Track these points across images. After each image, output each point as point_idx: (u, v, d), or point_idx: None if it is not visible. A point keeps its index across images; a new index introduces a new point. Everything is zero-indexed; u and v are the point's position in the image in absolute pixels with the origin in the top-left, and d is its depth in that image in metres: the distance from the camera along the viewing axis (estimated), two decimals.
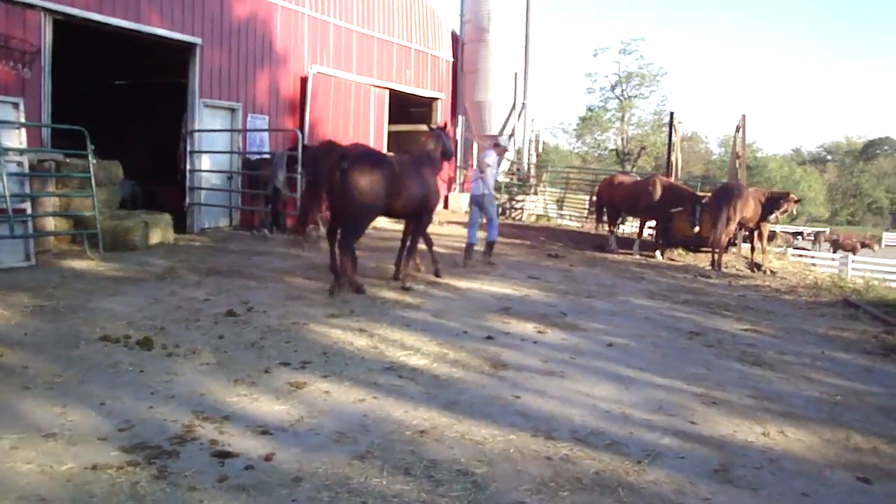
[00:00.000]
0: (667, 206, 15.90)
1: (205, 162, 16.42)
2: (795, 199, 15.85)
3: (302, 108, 18.92)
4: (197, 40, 15.70)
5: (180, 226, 15.67)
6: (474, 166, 14.31)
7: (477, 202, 13.23)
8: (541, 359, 7.03)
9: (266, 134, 17.77)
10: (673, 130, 17.81)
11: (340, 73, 20.20)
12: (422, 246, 11.36)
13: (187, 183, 16.13)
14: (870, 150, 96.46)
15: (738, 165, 17.98)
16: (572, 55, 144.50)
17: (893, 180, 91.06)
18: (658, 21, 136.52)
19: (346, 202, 9.29)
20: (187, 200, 16.10)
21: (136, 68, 20.50)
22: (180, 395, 5.50)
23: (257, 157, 16.76)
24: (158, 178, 18.83)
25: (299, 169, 14.58)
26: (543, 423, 5.31)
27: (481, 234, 13.48)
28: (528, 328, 8.30)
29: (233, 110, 17.05)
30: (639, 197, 16.45)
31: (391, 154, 12.28)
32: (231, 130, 16.79)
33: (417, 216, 10.61)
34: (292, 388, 5.77)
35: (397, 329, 7.85)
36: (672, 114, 18.74)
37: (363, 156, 9.62)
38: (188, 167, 16.12)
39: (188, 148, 16.08)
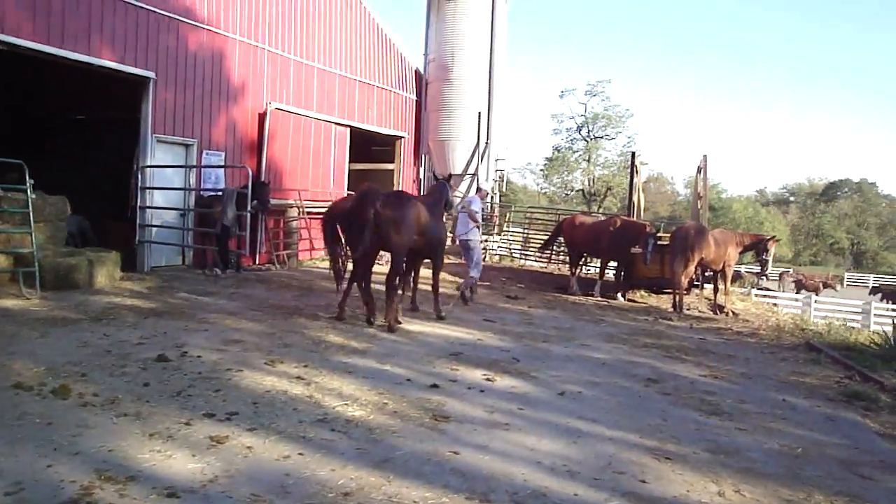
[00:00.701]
0: (627, 246, 15.63)
1: (157, 199, 15.94)
2: (776, 239, 16.07)
3: (260, 146, 18.55)
4: (150, 74, 15.31)
5: (130, 264, 15.17)
6: (458, 212, 14.72)
7: (463, 246, 14.05)
8: (486, 409, 6.62)
9: (221, 171, 17.34)
10: (634, 171, 17.65)
11: (300, 111, 19.89)
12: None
13: (138, 220, 15.64)
14: (830, 192, 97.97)
15: (700, 206, 17.82)
16: (540, 96, 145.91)
17: (853, 221, 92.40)
18: (624, 63, 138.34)
19: (390, 240, 10.30)
20: (137, 238, 15.59)
21: (90, 101, 19.99)
22: (86, 451, 5.01)
23: (209, 194, 16.29)
24: (111, 215, 18.27)
25: (249, 207, 14.18)
26: (481, 484, 4.89)
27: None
28: (477, 375, 7.90)
29: (187, 146, 16.63)
30: (599, 237, 16.21)
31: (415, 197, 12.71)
32: (181, 167, 16.31)
33: (435, 254, 11.63)
34: (212, 444, 5.31)
35: (337, 376, 7.41)
36: (633, 154, 18.61)
37: (405, 200, 10.87)
38: (139, 204, 15.63)
39: (139, 184, 15.60)
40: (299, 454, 5.22)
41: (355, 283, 11.23)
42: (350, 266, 11.92)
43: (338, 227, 11.93)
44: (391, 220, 10.14)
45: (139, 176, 15.59)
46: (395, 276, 10.61)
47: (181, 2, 15.97)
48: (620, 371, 8.72)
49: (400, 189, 14.61)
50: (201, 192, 16.50)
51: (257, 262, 18.20)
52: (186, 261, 16.73)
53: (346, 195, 14.15)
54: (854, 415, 7.52)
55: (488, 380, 7.75)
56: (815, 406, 7.74)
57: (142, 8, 15.00)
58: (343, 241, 11.89)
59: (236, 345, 8.58)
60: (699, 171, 17.96)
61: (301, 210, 19.21)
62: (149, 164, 15.48)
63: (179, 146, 16.50)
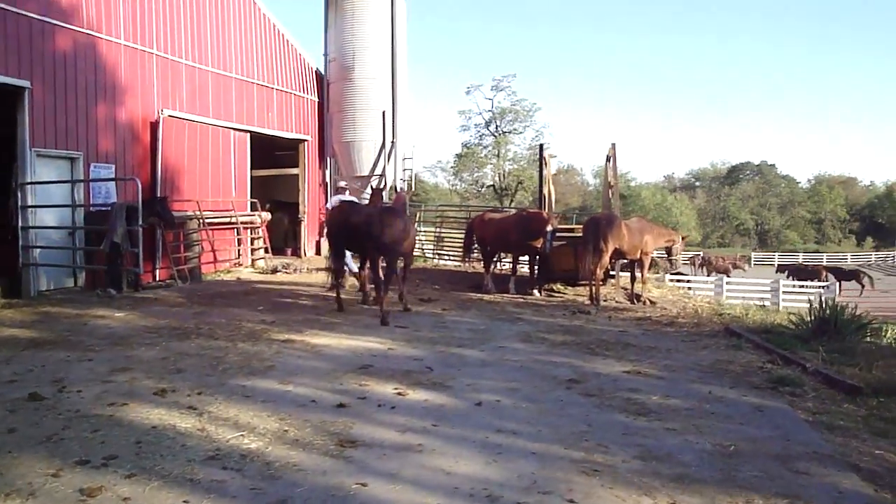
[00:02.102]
0: (533, 240, 15.23)
1: (40, 217, 14.85)
2: (685, 237, 16.21)
3: (154, 156, 17.60)
4: (24, 83, 14.27)
5: (15, 289, 14.11)
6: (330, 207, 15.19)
7: None
8: (398, 429, 6.04)
9: (112, 184, 16.31)
10: (543, 163, 17.32)
11: (196, 117, 19.02)
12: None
13: (21, 241, 14.54)
14: (733, 175, 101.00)
15: (611, 195, 17.61)
16: (447, 93, 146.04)
17: (756, 202, 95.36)
18: (528, 56, 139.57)
19: (389, 244, 12.06)
20: (21, 261, 14.49)
21: None
22: None
23: (97, 209, 15.24)
24: None
25: (140, 221, 13.32)
26: None
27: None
28: (388, 390, 7.31)
29: (72, 160, 15.62)
30: (507, 233, 15.81)
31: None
32: (66, 182, 15.22)
33: (409, 255, 13.41)
34: (82, 498, 4.61)
35: (234, 403, 6.73)
36: (541, 146, 18.27)
37: (399, 209, 13.07)
38: (20, 224, 14.53)
39: (19, 203, 14.50)
40: (184, 502, 4.57)
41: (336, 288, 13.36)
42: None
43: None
44: (404, 231, 12.30)
45: (18, 194, 14.50)
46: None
47: (57, 4, 14.94)
48: (540, 373, 8.26)
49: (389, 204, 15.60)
50: (90, 209, 15.45)
51: (157, 278, 17.25)
52: (79, 282, 15.68)
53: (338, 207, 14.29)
54: (782, 403, 7.21)
55: (399, 394, 7.17)
56: (742, 396, 7.40)
57: (10, 11, 13.92)
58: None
59: (123, 374, 7.80)
60: (608, 159, 17.74)
61: (201, 221, 18.29)
62: (28, 180, 14.39)
63: (63, 160, 15.46)
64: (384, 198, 14.68)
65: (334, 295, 13.32)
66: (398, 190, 16.79)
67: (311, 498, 4.65)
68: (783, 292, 28.39)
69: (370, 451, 5.51)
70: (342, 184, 17.54)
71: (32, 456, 5.33)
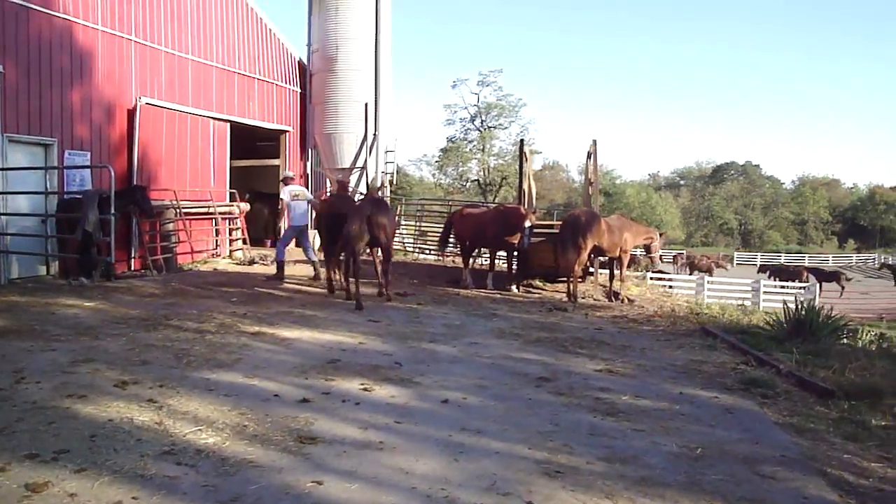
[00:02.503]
0: (510, 235, 15.10)
1: (12, 204, 14.59)
2: (663, 233, 16.25)
3: (130, 144, 17.34)
4: None
5: None
6: (288, 200, 16.34)
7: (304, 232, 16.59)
8: (360, 426, 5.92)
9: (87, 172, 16.06)
10: (524, 158, 17.21)
11: (174, 106, 18.75)
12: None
13: None
14: (718, 175, 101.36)
15: (591, 192, 17.52)
16: (433, 87, 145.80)
17: (740, 202, 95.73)
18: (515, 52, 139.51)
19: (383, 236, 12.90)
20: None
21: None
22: None
23: (70, 197, 14.97)
24: None
25: (112, 210, 13.12)
26: None
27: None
28: (354, 385, 7.17)
29: (46, 146, 15.30)
30: (485, 228, 15.69)
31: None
32: (37, 168, 14.94)
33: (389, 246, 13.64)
34: (27, 494, 4.44)
35: (196, 396, 6.58)
36: (522, 141, 18.23)
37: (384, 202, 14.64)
38: None
39: None
40: (133, 499, 4.42)
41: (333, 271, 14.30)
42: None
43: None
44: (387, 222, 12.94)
45: None
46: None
47: None
48: (510, 371, 8.14)
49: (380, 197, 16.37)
50: (64, 196, 15.19)
51: (132, 268, 17.02)
52: (52, 271, 15.43)
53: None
54: (752, 404, 7.13)
55: (365, 390, 7.04)
56: (713, 398, 7.32)
57: None
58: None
59: (86, 365, 7.62)
60: (589, 156, 17.64)
61: (178, 211, 18.07)
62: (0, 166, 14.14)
63: (37, 146, 15.18)
64: (349, 190, 15.07)
65: (318, 287, 14.22)
66: (370, 183, 16.99)
67: (264, 496, 4.51)
68: (764, 292, 28.50)
69: (330, 448, 5.38)
70: (290, 174, 17.81)
71: None
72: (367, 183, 19.62)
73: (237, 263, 19.47)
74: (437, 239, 21.62)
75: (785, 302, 12.16)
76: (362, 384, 7.22)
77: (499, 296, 14.83)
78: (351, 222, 12.50)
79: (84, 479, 4.68)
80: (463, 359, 8.71)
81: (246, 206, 21.58)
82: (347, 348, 8.97)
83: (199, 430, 5.67)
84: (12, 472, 4.77)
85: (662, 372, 8.44)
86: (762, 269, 46.56)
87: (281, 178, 17.78)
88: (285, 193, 16.39)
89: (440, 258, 22.07)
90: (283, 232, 17.29)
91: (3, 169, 14.16)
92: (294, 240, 16.74)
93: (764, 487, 4.99)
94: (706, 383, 7.95)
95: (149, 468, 4.90)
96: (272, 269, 17.38)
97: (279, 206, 17.39)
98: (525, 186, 16.74)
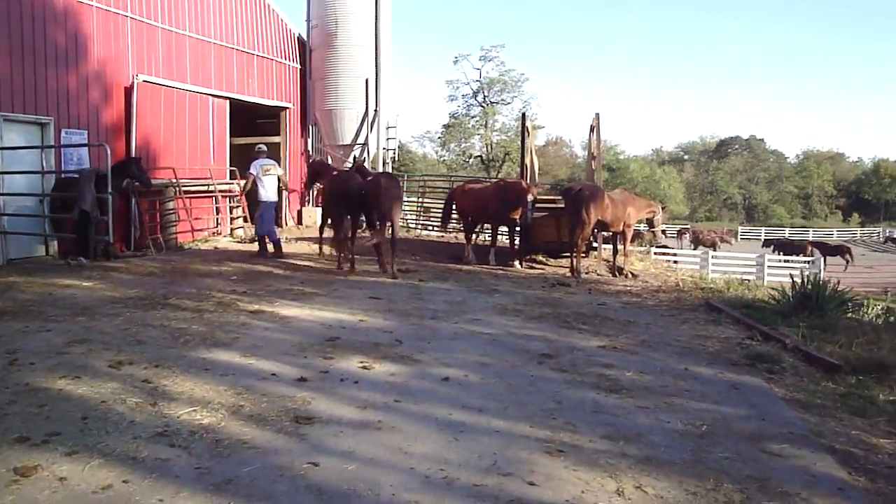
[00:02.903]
0: (511, 210, 14.96)
1: (10, 184, 14.45)
2: (664, 206, 15.99)
3: (128, 122, 17.15)
4: None
5: None
6: (256, 173, 16.04)
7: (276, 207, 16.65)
8: (358, 405, 5.80)
9: (85, 150, 15.89)
10: (526, 133, 17.02)
11: (172, 83, 18.52)
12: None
13: None
14: (722, 149, 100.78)
15: (594, 166, 17.33)
16: (436, 63, 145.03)
17: (745, 177, 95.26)
18: (518, 26, 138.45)
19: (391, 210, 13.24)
20: None
21: None
22: None
23: (67, 176, 14.82)
24: None
25: (110, 188, 12.98)
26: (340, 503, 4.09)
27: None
28: (353, 363, 7.06)
29: (42, 125, 15.12)
30: (486, 203, 15.53)
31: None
32: (32, 147, 14.74)
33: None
34: (15, 478, 4.33)
35: (192, 375, 6.47)
36: (524, 115, 17.97)
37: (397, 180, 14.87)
38: None
39: None
40: (124, 482, 4.32)
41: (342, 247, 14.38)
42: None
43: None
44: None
45: None
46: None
47: None
48: (512, 347, 8.03)
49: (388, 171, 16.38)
50: (61, 175, 15.04)
51: (132, 247, 16.89)
52: (51, 251, 15.31)
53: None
54: (758, 380, 7.02)
55: (365, 368, 6.92)
56: (719, 374, 7.20)
57: None
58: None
59: (81, 346, 7.50)
60: (592, 130, 17.45)
61: (177, 189, 17.92)
62: None
63: (33, 125, 14.98)
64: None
65: (323, 263, 14.41)
66: (355, 159, 16.58)
67: (259, 478, 4.41)
68: (768, 267, 28.34)
69: (326, 428, 5.27)
70: (261, 147, 16.85)
71: None
72: (353, 158, 19.30)
73: (238, 242, 19.34)
74: (439, 215, 21.53)
75: (791, 276, 12.01)
76: (361, 362, 7.10)
77: (501, 271, 14.71)
78: (386, 199, 13.03)
79: (75, 462, 4.58)
80: (464, 335, 8.59)
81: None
82: (348, 326, 8.85)
83: (194, 410, 5.56)
84: (2, 457, 4.66)
85: (667, 347, 8.32)
86: (766, 243, 46.36)
87: (255, 152, 16.75)
88: (255, 167, 15.92)
89: (443, 234, 21.93)
90: (259, 211, 16.28)
91: None
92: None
93: (771, 465, 4.88)
94: (711, 359, 7.84)
95: (141, 450, 4.79)
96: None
97: (245, 182, 16.85)
98: (527, 161, 16.57)
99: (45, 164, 14.97)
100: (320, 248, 15.85)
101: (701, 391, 6.57)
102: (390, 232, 13.36)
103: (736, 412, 5.99)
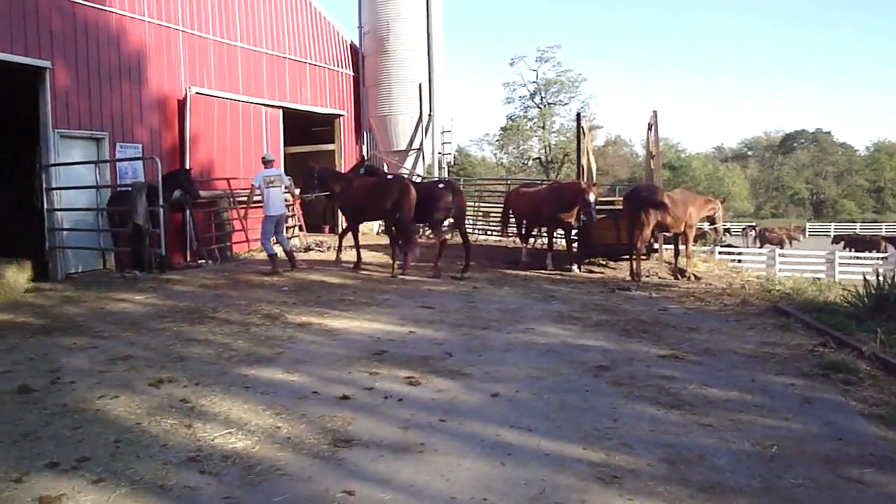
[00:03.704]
0: (566, 212, 14.51)
1: (68, 199, 14.59)
2: (724, 200, 15.38)
3: (182, 134, 17.22)
4: (45, 63, 13.93)
5: (44, 272, 13.87)
6: (258, 185, 14.54)
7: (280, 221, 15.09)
8: (401, 425, 5.50)
9: (140, 164, 15.98)
10: (582, 133, 16.56)
11: (225, 94, 18.59)
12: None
13: (46, 224, 14.29)
14: (788, 144, 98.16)
15: (653, 166, 16.77)
16: (492, 65, 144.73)
17: (812, 171, 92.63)
18: (573, 26, 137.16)
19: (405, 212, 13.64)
20: (48, 244, 14.26)
21: None
22: None
23: (120, 190, 14.89)
24: (22, 221, 16.80)
25: (161, 201, 12.98)
26: None
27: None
28: (400, 378, 6.75)
29: (98, 140, 15.27)
30: (540, 206, 15.13)
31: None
32: (87, 163, 14.87)
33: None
34: None
35: (231, 394, 6.25)
36: (579, 115, 17.51)
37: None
38: (45, 206, 14.29)
39: (43, 185, 14.25)
40: None
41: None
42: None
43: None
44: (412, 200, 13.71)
45: (42, 176, 14.24)
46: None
47: None
48: (567, 358, 7.64)
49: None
50: (116, 189, 15.14)
51: (187, 258, 16.94)
52: (108, 264, 15.42)
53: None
54: (833, 392, 6.50)
55: (411, 383, 6.61)
56: (789, 385, 6.70)
57: None
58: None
59: (124, 363, 7.37)
60: (650, 128, 16.89)
61: (232, 200, 17.91)
62: (52, 162, 14.12)
63: (89, 140, 15.17)
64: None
65: (382, 272, 14.31)
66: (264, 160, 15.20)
67: None
68: (839, 264, 27.23)
69: (365, 452, 4.98)
70: (269, 156, 15.23)
71: (2, 457, 4.91)
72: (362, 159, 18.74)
73: (292, 249, 19.24)
74: (497, 219, 21.19)
75: (864, 275, 11.33)
76: (408, 378, 6.80)
77: (559, 276, 14.30)
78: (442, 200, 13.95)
79: (101, 491, 4.38)
80: (517, 346, 8.23)
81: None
82: (396, 338, 8.57)
83: (229, 433, 5.33)
84: (29, 483, 4.50)
85: (732, 357, 7.83)
86: (836, 239, 44.76)
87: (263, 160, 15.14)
88: (258, 179, 14.46)
89: (500, 239, 21.57)
90: (262, 224, 14.80)
91: (55, 165, 14.14)
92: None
93: (850, 494, 4.41)
94: (780, 369, 7.32)
95: (170, 477, 4.57)
96: (328, 255, 17.15)
97: (249, 194, 15.40)
98: (584, 162, 16.11)
99: (100, 178, 15.10)
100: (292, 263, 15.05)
101: (769, 405, 6.09)
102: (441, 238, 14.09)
103: (809, 430, 5.51)
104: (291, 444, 5.11)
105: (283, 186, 14.87)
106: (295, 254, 15.73)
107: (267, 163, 14.83)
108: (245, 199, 15.93)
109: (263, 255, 17.68)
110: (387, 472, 4.64)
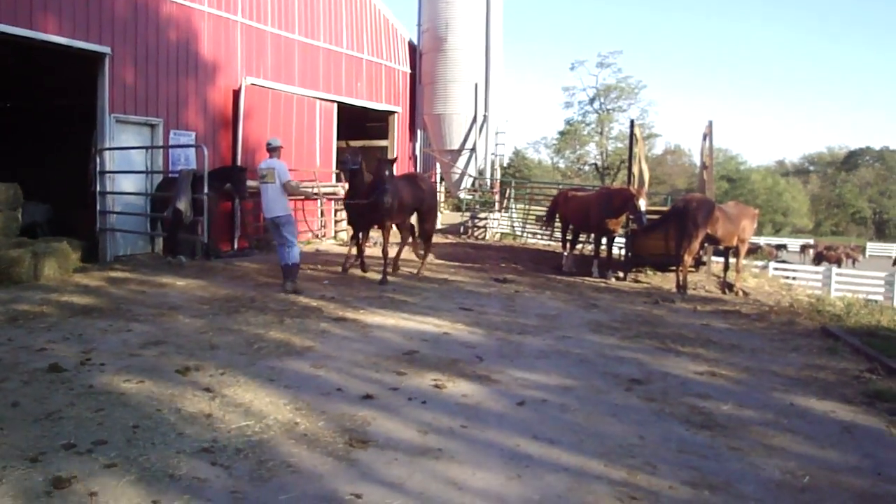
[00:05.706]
0: (613, 219, 14.28)
1: (118, 183, 14.79)
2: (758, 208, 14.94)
3: (235, 123, 17.35)
4: (105, 49, 14.08)
5: (93, 253, 14.09)
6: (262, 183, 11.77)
7: (282, 222, 11.66)
8: (420, 428, 5.40)
9: (192, 151, 16.12)
10: (634, 140, 16.25)
11: (280, 86, 18.66)
12: None
13: (98, 206, 14.51)
14: (851, 161, 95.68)
15: (706, 176, 16.39)
16: (552, 68, 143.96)
17: (875, 190, 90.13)
18: (636, 33, 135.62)
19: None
20: (98, 225, 14.47)
21: (40, 85, 19.07)
22: None
23: (169, 177, 15.01)
24: (79, 203, 17.11)
25: (206, 189, 13.05)
26: None
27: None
28: (426, 381, 6.65)
29: (152, 126, 15.44)
30: (588, 210, 14.89)
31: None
32: (141, 148, 15.04)
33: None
34: (48, 489, 4.15)
35: (254, 386, 6.22)
36: (632, 122, 17.16)
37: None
38: (98, 189, 14.50)
39: (98, 168, 14.46)
40: (153, 502, 4.06)
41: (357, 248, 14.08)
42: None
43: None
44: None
45: (97, 159, 14.46)
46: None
47: None
48: (601, 369, 7.46)
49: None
50: (167, 175, 15.30)
51: (235, 247, 17.08)
52: (157, 248, 15.60)
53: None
54: (877, 422, 6.19)
55: (437, 386, 6.50)
56: (829, 412, 6.41)
57: None
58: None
59: (155, 348, 7.42)
60: (704, 137, 16.51)
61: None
62: (107, 146, 14.32)
63: (144, 126, 15.32)
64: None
65: (419, 270, 14.15)
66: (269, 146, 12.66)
67: None
68: None
69: (381, 454, 4.89)
70: (273, 143, 11.93)
71: (23, 436, 4.95)
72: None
73: (341, 244, 19.29)
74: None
75: None
76: (435, 380, 6.70)
77: (603, 284, 14.05)
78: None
79: (111, 476, 4.38)
80: (551, 354, 8.07)
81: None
82: (430, 338, 8.47)
83: (247, 425, 5.30)
84: (42, 465, 4.51)
85: (773, 378, 7.56)
86: None
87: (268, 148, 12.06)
88: (262, 166, 11.77)
89: (549, 243, 21.35)
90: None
91: (109, 149, 14.33)
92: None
93: None
94: (822, 393, 7.03)
95: (181, 467, 4.55)
96: (375, 250, 17.09)
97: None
98: (635, 169, 15.80)
99: (152, 164, 15.28)
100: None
101: (806, 432, 5.84)
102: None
103: (846, 461, 5.26)
104: (307, 441, 5.05)
105: (279, 182, 11.47)
106: (344, 248, 15.60)
107: (271, 150, 11.84)
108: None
109: (309, 248, 17.83)
110: (399, 477, 4.54)
